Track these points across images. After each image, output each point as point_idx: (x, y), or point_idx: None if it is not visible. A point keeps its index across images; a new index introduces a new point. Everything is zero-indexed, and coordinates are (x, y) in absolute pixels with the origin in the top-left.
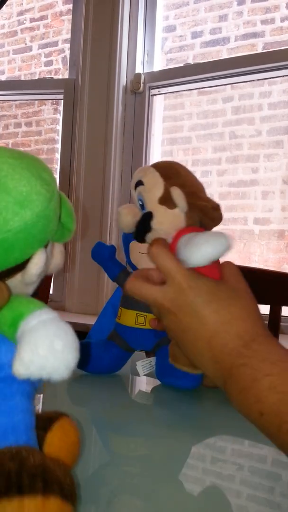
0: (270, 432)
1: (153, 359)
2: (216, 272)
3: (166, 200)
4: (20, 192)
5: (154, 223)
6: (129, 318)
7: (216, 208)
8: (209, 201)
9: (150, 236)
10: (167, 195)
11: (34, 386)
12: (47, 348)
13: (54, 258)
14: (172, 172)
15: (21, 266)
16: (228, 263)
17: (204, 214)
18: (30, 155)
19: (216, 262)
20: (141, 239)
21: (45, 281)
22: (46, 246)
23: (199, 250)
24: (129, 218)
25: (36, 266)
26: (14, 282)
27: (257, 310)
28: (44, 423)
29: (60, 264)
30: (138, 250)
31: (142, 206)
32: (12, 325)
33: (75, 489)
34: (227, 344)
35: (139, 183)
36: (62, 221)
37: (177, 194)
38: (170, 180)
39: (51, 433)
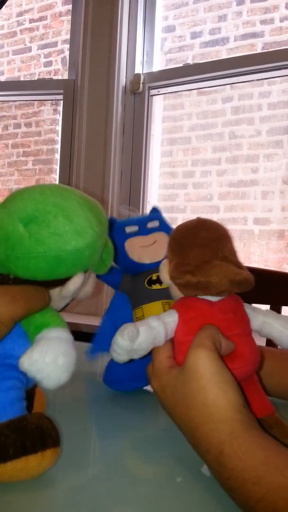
0: None
1: None
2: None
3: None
4: (80, 224)
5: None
6: (156, 310)
7: (181, 275)
8: (181, 276)
9: None
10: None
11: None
12: (52, 359)
13: (87, 285)
14: (174, 241)
15: (62, 282)
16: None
17: (179, 287)
18: (93, 200)
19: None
20: None
21: None
22: (85, 272)
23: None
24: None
25: (74, 285)
26: (53, 293)
27: (216, 401)
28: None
29: (89, 292)
30: (138, 245)
31: None
32: (37, 328)
33: (59, 434)
34: (206, 459)
35: None
36: (102, 258)
37: (161, 269)
38: (168, 251)
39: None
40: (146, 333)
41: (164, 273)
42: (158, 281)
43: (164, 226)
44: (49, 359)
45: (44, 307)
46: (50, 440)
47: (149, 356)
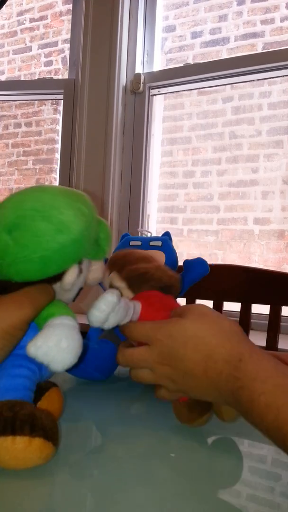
0: (279, 445)
1: None
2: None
3: (112, 285)
4: (61, 221)
5: None
6: None
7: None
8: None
9: None
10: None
11: (39, 367)
12: (55, 342)
13: (92, 272)
14: (114, 263)
15: (59, 277)
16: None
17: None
18: (76, 192)
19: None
20: None
21: None
22: (80, 263)
23: None
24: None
25: (69, 278)
26: (55, 288)
27: (232, 328)
28: (36, 393)
29: (98, 278)
30: None
31: None
32: (44, 319)
33: (57, 433)
34: (221, 372)
35: None
36: (99, 243)
37: (112, 278)
38: (107, 269)
39: (40, 402)
40: (123, 301)
41: (116, 280)
42: None
43: (165, 248)
44: (52, 343)
45: (50, 301)
46: (41, 431)
47: (109, 351)
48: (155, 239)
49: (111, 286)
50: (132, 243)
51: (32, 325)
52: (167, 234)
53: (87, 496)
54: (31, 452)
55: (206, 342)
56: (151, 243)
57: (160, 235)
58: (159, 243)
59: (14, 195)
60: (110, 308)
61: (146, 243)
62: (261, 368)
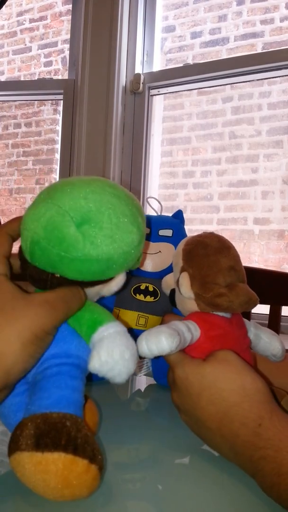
0: None
1: (148, 361)
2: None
3: (178, 284)
4: (129, 224)
5: (176, 300)
6: (130, 319)
7: (218, 295)
8: (213, 290)
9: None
10: (178, 279)
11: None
12: (119, 355)
13: (114, 283)
14: (191, 254)
15: (105, 281)
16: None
17: (208, 305)
18: (132, 194)
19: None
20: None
21: None
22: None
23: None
24: (168, 285)
25: (117, 284)
26: (92, 291)
27: (254, 384)
28: None
29: (113, 291)
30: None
31: None
32: (90, 327)
33: (103, 462)
34: (237, 434)
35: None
36: None
37: (182, 282)
38: (186, 263)
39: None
40: (181, 342)
41: (187, 287)
42: (144, 292)
43: (176, 237)
44: (117, 356)
45: (82, 307)
46: (98, 457)
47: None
48: (166, 225)
49: (178, 282)
50: None
51: (70, 330)
52: (179, 214)
53: (85, 504)
54: (86, 481)
55: (224, 397)
56: (161, 233)
57: (170, 215)
58: (169, 233)
59: (80, 183)
60: (165, 353)
61: (156, 230)
62: (285, 435)
